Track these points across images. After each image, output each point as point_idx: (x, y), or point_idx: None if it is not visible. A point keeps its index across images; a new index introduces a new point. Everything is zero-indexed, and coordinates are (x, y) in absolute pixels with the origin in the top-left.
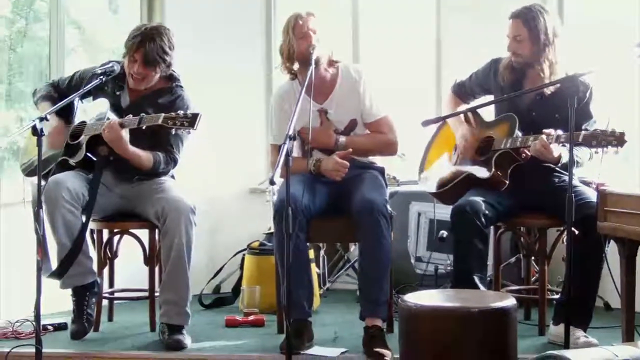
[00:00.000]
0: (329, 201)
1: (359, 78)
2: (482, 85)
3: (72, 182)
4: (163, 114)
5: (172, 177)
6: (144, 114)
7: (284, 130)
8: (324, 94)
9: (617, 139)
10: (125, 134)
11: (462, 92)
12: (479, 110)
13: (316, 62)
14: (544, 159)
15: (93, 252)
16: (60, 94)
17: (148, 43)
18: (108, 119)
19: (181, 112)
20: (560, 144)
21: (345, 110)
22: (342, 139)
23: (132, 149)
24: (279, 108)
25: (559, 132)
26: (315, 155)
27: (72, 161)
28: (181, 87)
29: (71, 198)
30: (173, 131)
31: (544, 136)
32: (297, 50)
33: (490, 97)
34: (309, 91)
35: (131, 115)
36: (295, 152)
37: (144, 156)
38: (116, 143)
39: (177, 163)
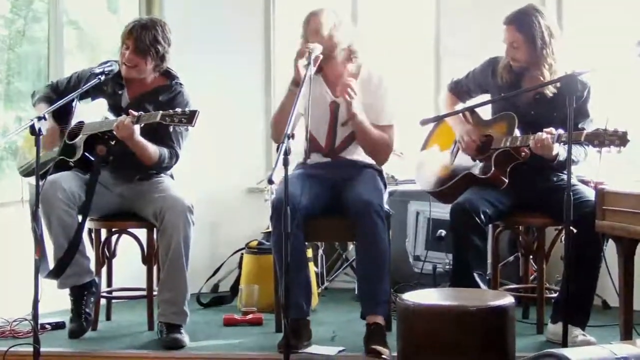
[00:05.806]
0: (327, 200)
1: (378, 83)
2: (479, 84)
3: (67, 182)
4: (161, 112)
5: (171, 176)
6: (141, 112)
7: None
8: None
9: (619, 139)
10: (137, 129)
11: (459, 90)
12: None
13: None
14: (541, 153)
15: (91, 252)
16: (59, 95)
17: (141, 30)
18: (106, 118)
19: (179, 110)
20: (561, 143)
21: None
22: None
23: (143, 141)
24: None
25: (560, 131)
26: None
27: (70, 161)
28: (180, 84)
29: (66, 198)
30: (171, 128)
31: (545, 134)
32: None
33: (487, 96)
34: (326, 81)
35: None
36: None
37: (152, 149)
38: (129, 139)
39: (179, 158)
